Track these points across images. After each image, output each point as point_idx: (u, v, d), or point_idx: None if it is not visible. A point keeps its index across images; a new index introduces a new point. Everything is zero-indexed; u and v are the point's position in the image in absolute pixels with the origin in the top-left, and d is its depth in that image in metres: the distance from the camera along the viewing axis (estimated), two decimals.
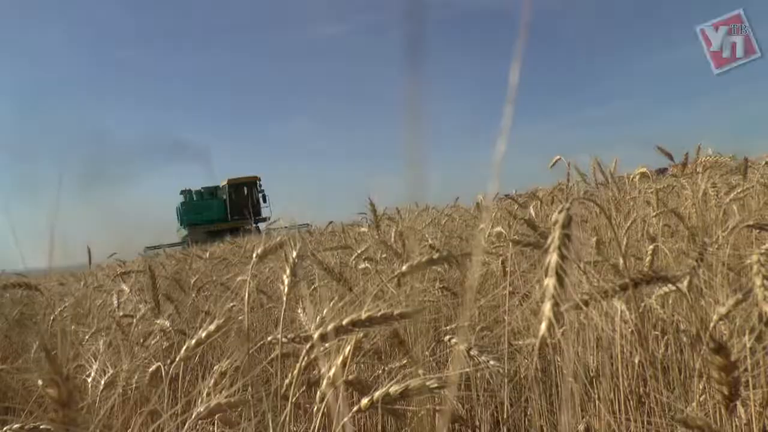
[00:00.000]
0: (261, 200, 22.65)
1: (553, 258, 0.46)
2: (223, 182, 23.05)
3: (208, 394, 0.78)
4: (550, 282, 0.45)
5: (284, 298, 0.79)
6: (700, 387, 0.94)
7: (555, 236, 0.46)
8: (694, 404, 0.94)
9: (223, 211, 22.54)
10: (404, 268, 0.74)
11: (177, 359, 0.81)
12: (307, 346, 0.65)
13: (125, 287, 1.55)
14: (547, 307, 0.45)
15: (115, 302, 1.55)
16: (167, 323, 1.35)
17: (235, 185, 22.84)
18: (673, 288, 0.88)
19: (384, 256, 1.81)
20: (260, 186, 22.88)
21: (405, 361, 1.08)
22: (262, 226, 21.13)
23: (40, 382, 1.31)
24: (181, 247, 16.84)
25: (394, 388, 0.56)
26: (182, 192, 23.64)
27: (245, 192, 22.83)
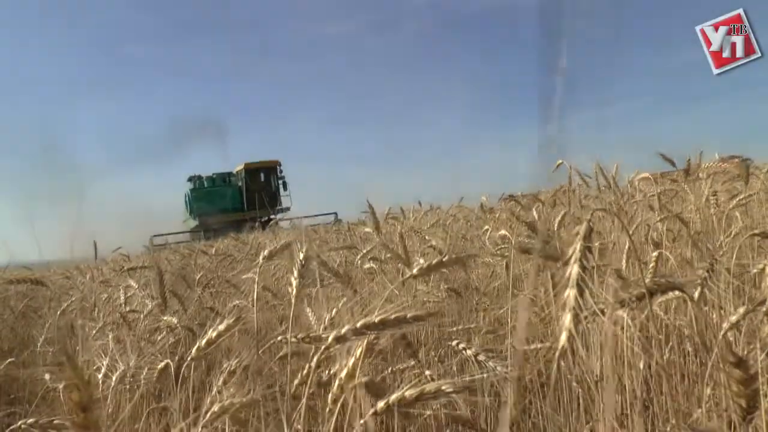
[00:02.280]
0: (281, 188, 20.19)
1: (574, 270, 0.47)
2: (239, 167, 20.55)
3: (219, 392, 0.78)
4: (571, 293, 0.46)
5: (293, 300, 0.79)
6: (707, 394, 0.95)
7: (576, 248, 0.47)
8: (700, 411, 0.94)
9: (239, 200, 20.00)
10: (415, 271, 0.75)
11: (188, 359, 0.82)
12: (321, 347, 0.65)
13: (132, 283, 1.56)
14: (567, 319, 0.45)
15: (122, 298, 1.56)
16: (174, 320, 1.36)
17: (252, 170, 20.22)
18: (679, 294, 0.88)
19: (389, 255, 1.81)
20: (281, 172, 20.37)
21: (412, 363, 1.08)
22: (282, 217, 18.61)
23: (47, 376, 1.31)
24: (190, 239, 15.57)
25: (410, 392, 0.56)
26: (190, 178, 20.95)
27: (262, 178, 20.33)
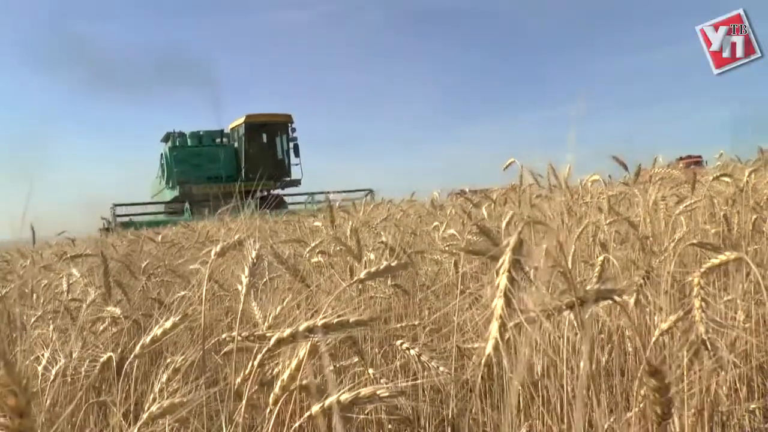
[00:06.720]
0: (292, 153, 14.92)
1: (503, 280, 0.48)
2: (237, 121, 15.13)
3: (161, 390, 0.78)
4: (498, 303, 0.47)
5: (242, 298, 0.79)
6: (641, 394, 0.97)
7: (505, 259, 0.48)
8: (634, 411, 0.97)
9: (234, 166, 14.75)
10: (362, 275, 0.76)
11: (132, 356, 0.81)
12: (264, 348, 0.66)
13: (75, 271, 1.53)
14: (494, 328, 0.47)
15: (65, 286, 1.53)
16: (117, 311, 1.34)
17: (255, 126, 14.79)
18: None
19: (340, 248, 1.82)
20: (293, 131, 14.85)
21: (356, 359, 1.09)
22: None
23: None
24: (167, 217, 12.26)
25: (345, 396, 0.57)
26: (168, 136, 15.79)
27: (265, 138, 15.05)
